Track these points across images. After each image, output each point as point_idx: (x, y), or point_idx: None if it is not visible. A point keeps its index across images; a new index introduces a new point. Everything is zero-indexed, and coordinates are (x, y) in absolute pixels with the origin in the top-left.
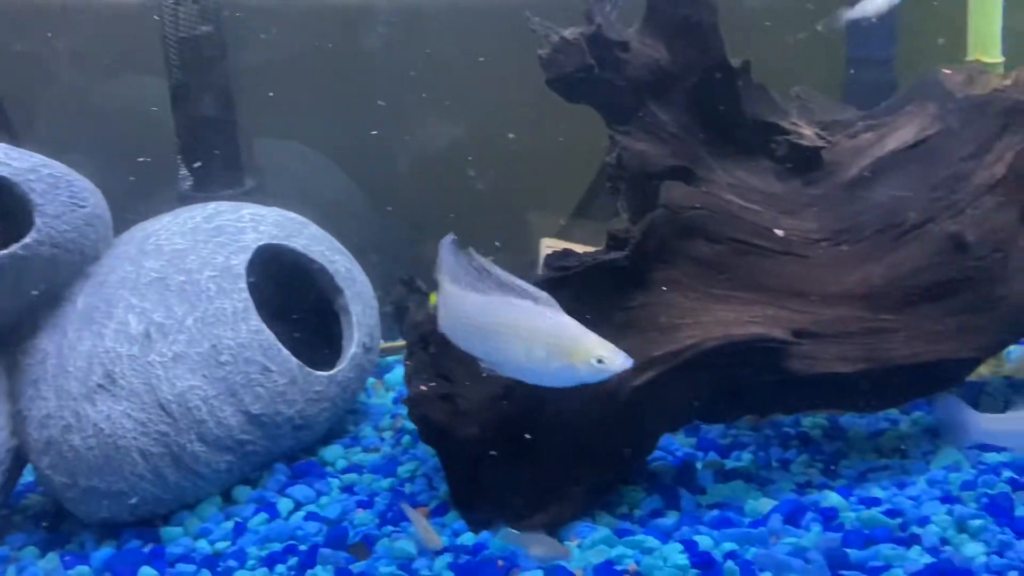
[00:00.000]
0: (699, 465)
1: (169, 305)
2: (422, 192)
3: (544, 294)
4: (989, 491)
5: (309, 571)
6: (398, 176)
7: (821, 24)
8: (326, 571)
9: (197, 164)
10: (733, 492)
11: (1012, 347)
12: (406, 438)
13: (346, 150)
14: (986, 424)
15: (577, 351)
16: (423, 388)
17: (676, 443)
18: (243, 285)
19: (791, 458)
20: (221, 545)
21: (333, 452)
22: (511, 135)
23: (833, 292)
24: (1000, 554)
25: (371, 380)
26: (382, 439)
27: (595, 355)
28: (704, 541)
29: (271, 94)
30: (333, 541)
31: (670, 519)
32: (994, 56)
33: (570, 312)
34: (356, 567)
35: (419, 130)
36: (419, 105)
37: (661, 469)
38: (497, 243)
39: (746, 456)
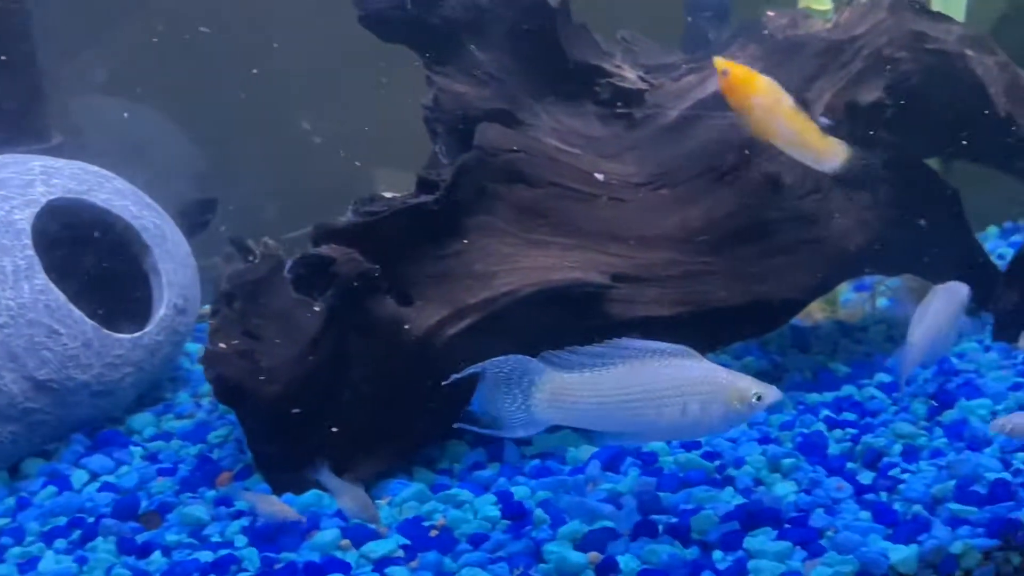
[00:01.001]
0: None
1: None
2: (263, 151)
3: (677, 346)
4: (805, 430)
5: (89, 544)
6: (238, 133)
7: None
8: (107, 543)
9: None
10: (559, 441)
11: (847, 293)
12: None
13: (182, 108)
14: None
15: (734, 394)
16: (222, 346)
17: None
18: (27, 241)
19: None
20: None
21: (142, 420)
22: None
23: (652, 236)
24: (808, 492)
25: (196, 346)
26: (199, 405)
27: (752, 394)
28: (520, 491)
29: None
30: (121, 511)
31: (490, 471)
32: (823, 3)
33: (379, 261)
34: (142, 537)
35: (259, 86)
36: (259, 58)
37: None
38: (353, 201)
39: None
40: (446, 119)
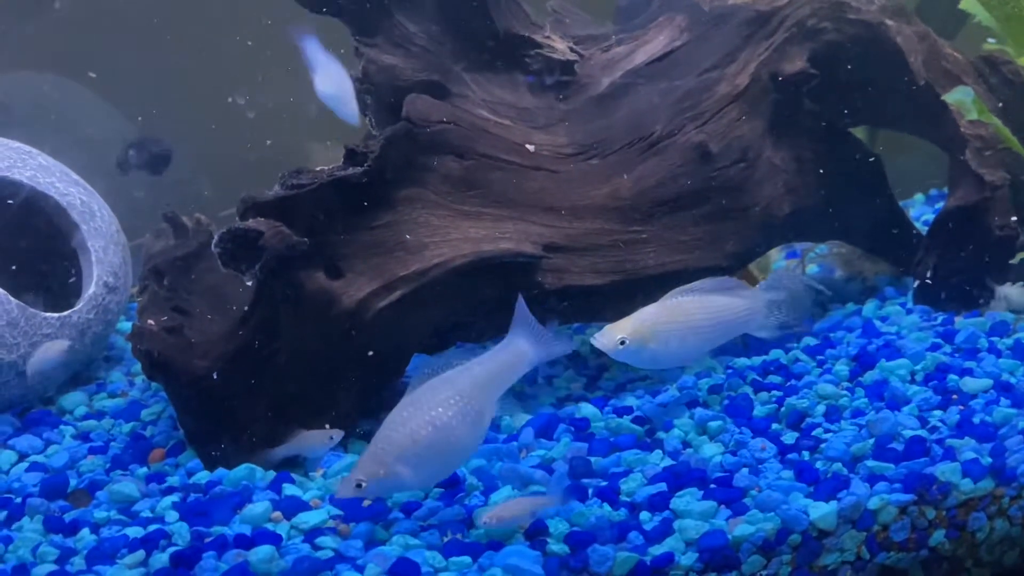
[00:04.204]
0: None
1: None
2: (197, 128)
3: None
4: (732, 393)
5: (15, 524)
6: (171, 109)
7: None
8: (34, 522)
9: None
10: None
11: (780, 260)
12: None
13: (115, 85)
14: None
15: None
16: (150, 323)
17: None
18: None
19: (557, 374)
20: None
21: (73, 399)
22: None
23: (583, 206)
24: (734, 453)
25: (130, 324)
26: (132, 383)
27: None
28: None
29: None
30: (49, 490)
31: None
32: None
33: (308, 234)
34: (70, 515)
35: (195, 63)
36: (195, 33)
37: None
38: (281, 174)
39: None
40: (376, 91)
